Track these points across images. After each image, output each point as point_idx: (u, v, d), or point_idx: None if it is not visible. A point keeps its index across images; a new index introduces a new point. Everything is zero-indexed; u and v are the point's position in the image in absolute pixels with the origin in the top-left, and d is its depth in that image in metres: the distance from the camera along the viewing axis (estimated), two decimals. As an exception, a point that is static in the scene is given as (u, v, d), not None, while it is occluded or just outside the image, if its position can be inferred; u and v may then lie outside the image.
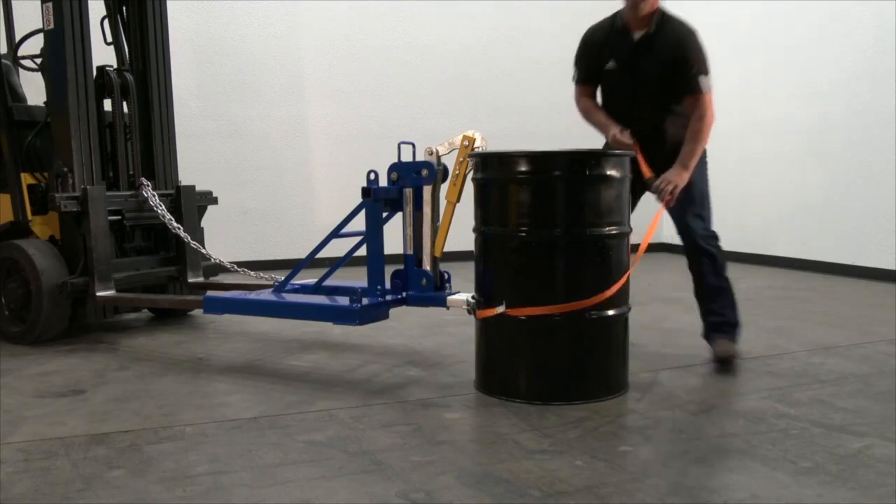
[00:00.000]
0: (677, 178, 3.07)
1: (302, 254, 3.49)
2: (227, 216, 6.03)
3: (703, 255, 3.22)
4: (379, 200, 3.15)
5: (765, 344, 3.58)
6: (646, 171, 3.13)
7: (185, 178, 4.37)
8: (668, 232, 7.65)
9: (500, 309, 2.73)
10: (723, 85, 6.77)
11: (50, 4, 3.72)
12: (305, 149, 6.65)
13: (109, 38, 4.21)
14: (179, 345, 3.71)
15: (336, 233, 3.31)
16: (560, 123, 7.18)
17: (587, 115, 3.35)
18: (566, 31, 7.25)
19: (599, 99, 3.38)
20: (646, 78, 3.14)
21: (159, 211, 3.90)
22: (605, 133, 3.24)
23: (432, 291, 3.15)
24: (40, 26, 3.82)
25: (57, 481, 2.05)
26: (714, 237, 3.24)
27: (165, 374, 3.15)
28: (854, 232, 5.75)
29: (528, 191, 2.73)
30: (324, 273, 3.46)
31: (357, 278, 3.51)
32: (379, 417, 2.56)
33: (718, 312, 3.28)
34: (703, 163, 3.24)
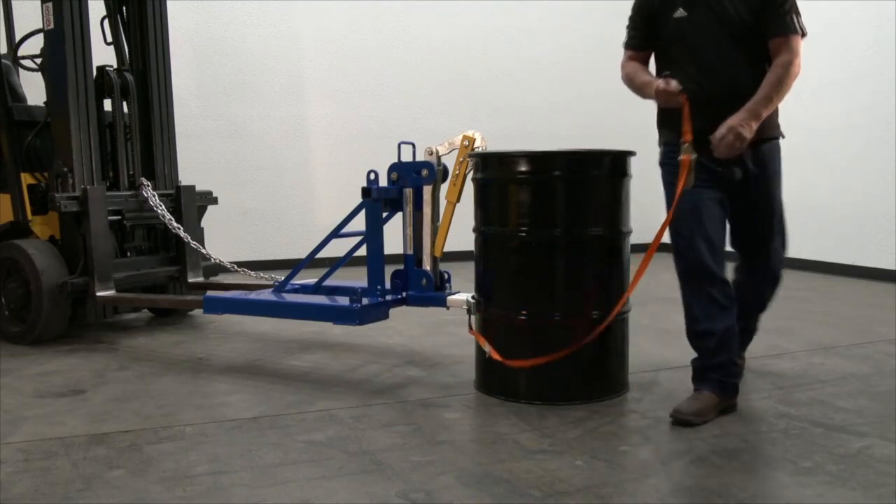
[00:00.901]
0: (743, 125, 2.52)
1: (302, 254, 3.49)
2: (227, 216, 6.03)
3: (773, 284, 3.00)
4: (379, 200, 3.15)
5: (765, 344, 3.58)
6: (687, 132, 2.60)
7: (185, 178, 4.37)
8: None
9: (487, 349, 2.75)
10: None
11: (50, 4, 3.72)
12: (305, 149, 6.65)
13: (109, 38, 4.21)
14: (179, 345, 3.71)
15: (336, 233, 3.31)
16: (560, 123, 7.21)
17: (631, 78, 2.85)
18: (566, 32, 7.30)
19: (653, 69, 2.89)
20: (726, 21, 2.58)
21: (159, 211, 3.90)
22: (647, 92, 2.75)
23: (432, 291, 3.15)
24: (40, 26, 3.82)
25: (57, 481, 2.05)
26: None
27: (165, 374, 3.15)
28: (854, 232, 5.74)
29: (528, 191, 2.73)
30: (324, 273, 3.46)
31: (357, 278, 3.51)
32: (379, 417, 2.56)
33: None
34: (777, 156, 2.91)
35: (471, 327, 2.89)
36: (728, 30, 2.59)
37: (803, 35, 2.58)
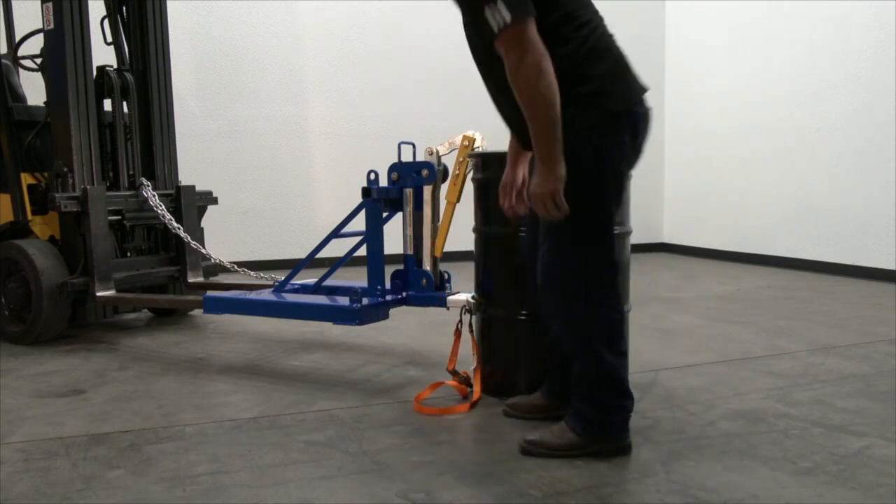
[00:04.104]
0: (538, 186, 2.02)
1: (302, 254, 3.49)
2: (227, 216, 6.03)
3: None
4: (379, 200, 3.15)
5: (765, 344, 3.59)
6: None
7: (185, 178, 4.37)
8: (668, 232, 7.68)
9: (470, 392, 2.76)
10: (723, 85, 6.86)
11: (50, 4, 3.72)
12: (305, 149, 6.65)
13: (109, 38, 4.21)
14: (179, 345, 3.71)
15: (336, 233, 3.31)
16: (560, 123, 7.21)
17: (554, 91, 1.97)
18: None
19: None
20: (480, 36, 2.06)
21: (159, 211, 3.91)
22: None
23: (432, 291, 3.15)
24: (40, 26, 3.82)
25: (57, 481, 2.05)
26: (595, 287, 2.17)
27: (165, 374, 3.15)
28: (854, 232, 5.75)
29: (528, 191, 2.72)
30: (324, 273, 3.46)
31: (357, 278, 3.51)
32: (379, 417, 2.56)
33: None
34: (584, 152, 2.05)
35: (471, 328, 2.89)
36: (485, 45, 2.08)
37: (515, 18, 1.91)
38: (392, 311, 3.16)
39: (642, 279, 5.58)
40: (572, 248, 2.14)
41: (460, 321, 2.88)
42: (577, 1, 2.10)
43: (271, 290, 3.47)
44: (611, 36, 2.17)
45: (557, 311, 2.23)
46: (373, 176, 3.18)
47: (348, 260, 3.41)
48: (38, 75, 4.13)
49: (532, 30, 1.93)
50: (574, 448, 2.17)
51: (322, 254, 3.34)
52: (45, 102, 3.93)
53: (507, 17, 1.90)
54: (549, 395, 2.51)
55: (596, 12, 2.18)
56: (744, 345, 3.56)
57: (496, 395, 2.75)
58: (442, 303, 3.10)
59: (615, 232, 2.70)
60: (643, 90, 2.16)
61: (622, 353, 2.19)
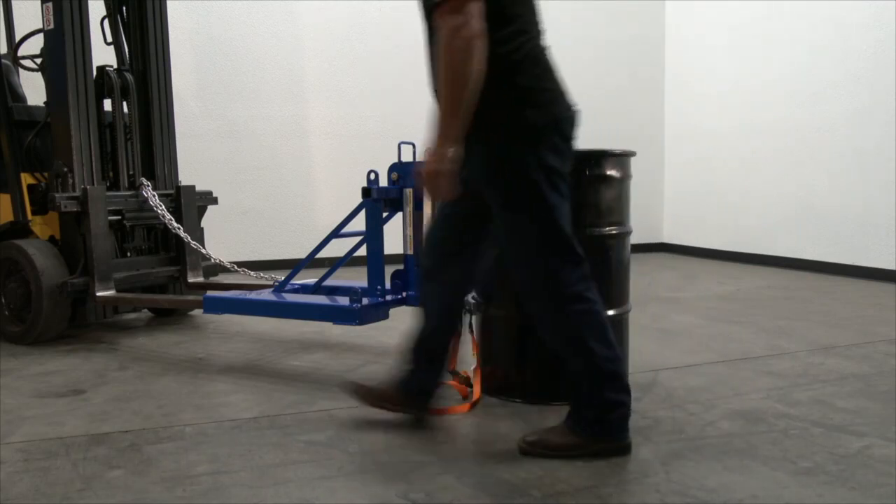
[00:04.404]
0: (431, 163, 2.00)
1: (302, 254, 3.49)
2: (227, 216, 6.03)
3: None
4: (379, 200, 3.15)
5: (765, 344, 3.59)
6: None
7: (185, 178, 4.37)
8: (668, 232, 7.68)
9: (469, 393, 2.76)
10: (723, 85, 6.86)
11: (50, 4, 3.72)
12: (305, 149, 6.65)
13: (109, 38, 4.21)
14: (179, 345, 3.71)
15: (336, 233, 3.31)
16: (560, 123, 7.22)
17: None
18: (566, 31, 7.29)
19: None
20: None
21: (159, 211, 3.91)
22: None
23: (432, 291, 3.15)
24: (40, 26, 3.82)
25: (57, 481, 2.05)
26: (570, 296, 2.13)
27: (165, 374, 3.15)
28: (854, 232, 5.75)
29: (528, 191, 2.72)
30: (324, 273, 3.46)
31: (357, 278, 3.51)
32: (379, 417, 2.56)
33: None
34: (484, 159, 2.07)
35: (471, 328, 2.89)
36: (427, 9, 2.05)
37: None
38: (392, 311, 3.16)
39: (642, 279, 5.58)
40: (533, 258, 2.14)
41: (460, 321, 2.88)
42: (521, 9, 2.09)
43: (271, 290, 3.47)
44: (545, 49, 2.18)
45: (541, 320, 2.22)
46: (373, 176, 3.18)
47: (348, 260, 3.41)
48: (38, 75, 4.13)
49: (476, 7, 1.89)
50: (575, 448, 2.17)
51: (322, 254, 3.34)
52: (45, 102, 3.93)
53: None
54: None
55: (536, 24, 2.17)
56: (744, 345, 3.56)
57: (496, 395, 2.75)
58: (442, 303, 3.09)
59: (615, 232, 2.70)
60: (569, 102, 2.18)
61: (612, 345, 2.16)
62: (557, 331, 2.19)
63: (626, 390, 2.20)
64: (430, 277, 2.36)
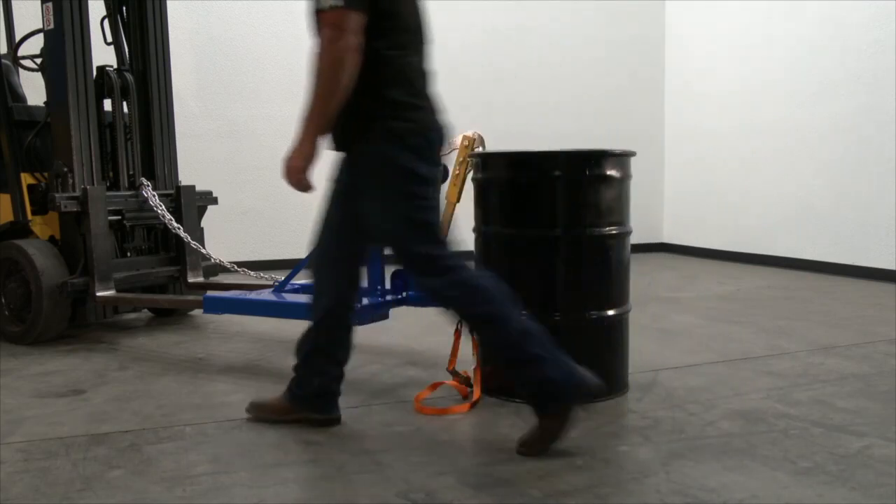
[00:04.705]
0: (291, 159, 2.19)
1: (302, 254, 3.49)
2: (227, 216, 6.02)
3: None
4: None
5: (765, 344, 3.59)
6: None
7: (185, 178, 4.37)
8: (668, 232, 7.68)
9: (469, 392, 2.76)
10: (723, 85, 6.86)
11: (50, 4, 3.72)
12: (305, 149, 6.64)
13: (109, 38, 4.21)
14: (179, 345, 3.71)
15: (336, 233, 3.31)
16: (560, 123, 7.21)
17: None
18: (566, 31, 7.30)
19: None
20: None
21: (159, 211, 3.90)
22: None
23: (432, 291, 3.15)
24: (40, 26, 3.82)
25: (57, 481, 2.05)
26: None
27: (165, 374, 3.15)
28: (854, 232, 5.75)
29: (528, 191, 2.73)
30: (324, 273, 3.45)
31: (357, 278, 3.50)
32: (379, 417, 2.56)
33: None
34: (367, 168, 2.23)
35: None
36: (310, 13, 2.15)
37: (347, 3, 2.01)
38: (392, 311, 3.17)
39: (642, 279, 5.58)
40: (408, 255, 2.28)
41: (460, 321, 2.88)
42: (400, 25, 2.20)
43: (271, 290, 3.47)
44: (420, 66, 2.29)
45: (446, 306, 2.32)
46: (373, 176, 3.17)
47: (348, 260, 3.40)
48: (38, 75, 4.13)
49: (355, 21, 2.03)
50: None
51: (322, 254, 3.34)
52: (45, 102, 3.93)
53: (340, 1, 2.01)
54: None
55: (414, 43, 2.27)
56: (744, 345, 3.56)
57: (496, 395, 2.75)
58: (442, 303, 3.09)
59: (615, 232, 2.70)
60: (436, 119, 2.33)
61: (505, 303, 2.24)
62: (460, 308, 2.29)
63: (538, 346, 2.23)
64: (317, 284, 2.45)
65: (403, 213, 2.24)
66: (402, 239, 2.27)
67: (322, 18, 2.04)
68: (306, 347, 2.45)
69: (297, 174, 2.19)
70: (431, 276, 2.25)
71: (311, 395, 2.45)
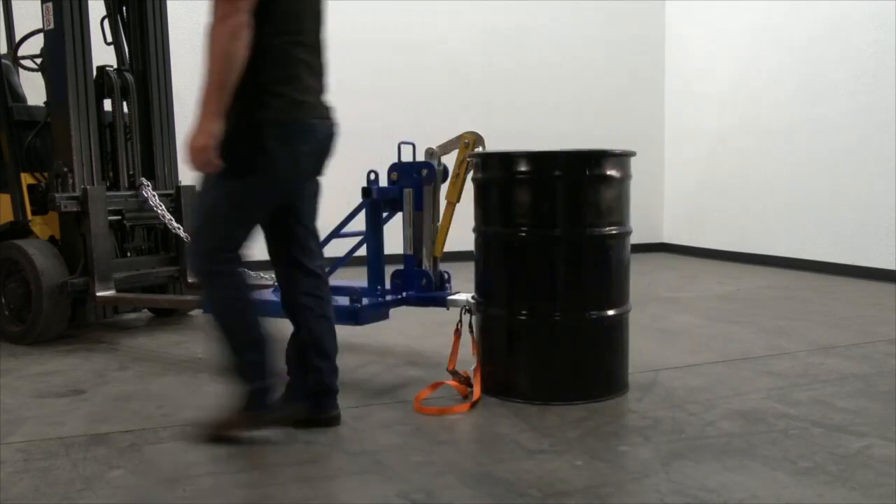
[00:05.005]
0: (192, 140, 2.17)
1: (302, 254, 3.49)
2: (227, 216, 6.01)
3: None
4: (379, 200, 3.15)
5: (765, 344, 3.59)
6: None
7: (185, 178, 4.36)
8: (668, 232, 7.68)
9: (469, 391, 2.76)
10: (723, 85, 6.86)
11: (50, 4, 3.72)
12: (305, 149, 6.64)
13: (109, 38, 4.21)
14: (179, 345, 3.71)
15: (336, 233, 3.31)
16: (560, 123, 7.21)
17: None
18: (566, 31, 7.30)
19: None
20: None
21: (159, 211, 3.90)
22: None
23: (432, 291, 3.15)
24: (40, 26, 3.81)
25: (57, 481, 2.05)
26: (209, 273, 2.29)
27: (165, 374, 3.15)
28: (854, 232, 5.75)
29: (528, 191, 2.73)
30: (324, 273, 3.45)
31: (357, 278, 3.51)
32: (379, 417, 2.56)
33: None
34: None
35: (471, 328, 2.89)
36: None
37: None
38: (392, 311, 3.17)
39: (642, 279, 5.58)
40: (197, 240, 2.32)
41: (460, 321, 2.88)
42: (291, 12, 2.24)
43: (271, 290, 3.47)
44: (305, 59, 2.29)
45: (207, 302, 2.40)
46: (373, 176, 3.18)
47: (348, 260, 3.41)
48: (38, 75, 4.13)
49: (246, 5, 2.10)
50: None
51: (322, 254, 3.34)
52: (45, 102, 3.92)
53: None
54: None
55: (305, 31, 2.29)
56: (744, 345, 3.56)
57: (496, 395, 2.75)
58: (442, 303, 3.10)
59: (615, 232, 2.70)
60: (318, 114, 2.36)
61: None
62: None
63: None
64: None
65: (223, 200, 2.25)
66: (202, 223, 2.30)
67: (213, 1, 2.12)
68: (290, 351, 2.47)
69: (203, 153, 2.14)
70: (199, 268, 2.33)
71: (307, 395, 2.43)
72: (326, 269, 2.48)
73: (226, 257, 2.27)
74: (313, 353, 2.44)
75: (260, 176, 2.23)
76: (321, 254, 2.53)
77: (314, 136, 2.34)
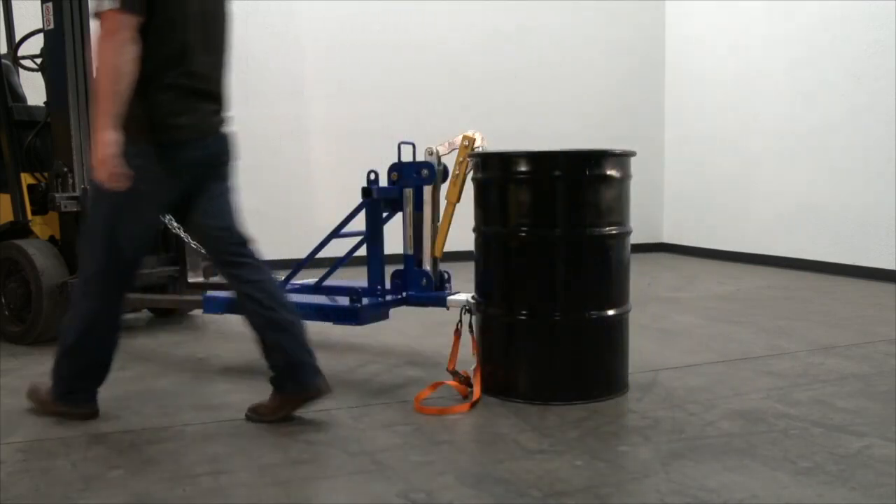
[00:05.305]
0: (94, 158, 2.27)
1: (302, 254, 3.49)
2: (227, 216, 6.01)
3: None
4: (379, 200, 3.15)
5: (765, 344, 3.59)
6: None
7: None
8: (668, 232, 7.68)
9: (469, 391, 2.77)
10: (723, 85, 6.86)
11: (50, 4, 3.71)
12: (306, 149, 6.64)
13: (109, 38, 4.20)
14: (179, 345, 3.71)
15: (336, 233, 3.31)
16: (560, 123, 7.21)
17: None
18: (566, 31, 7.30)
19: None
20: None
21: (159, 211, 3.90)
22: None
23: (432, 291, 3.15)
24: (40, 26, 3.81)
25: (57, 481, 2.05)
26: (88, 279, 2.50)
27: (165, 374, 3.15)
28: (854, 232, 5.75)
29: (528, 191, 2.73)
30: (324, 273, 3.45)
31: (357, 278, 3.51)
32: (379, 417, 2.57)
33: None
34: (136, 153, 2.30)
35: (471, 328, 2.89)
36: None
37: (123, 6, 2.20)
38: (392, 311, 3.17)
39: (642, 279, 5.58)
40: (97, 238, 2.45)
41: (460, 321, 2.88)
42: (177, 32, 2.39)
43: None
44: (197, 71, 2.48)
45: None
46: (373, 176, 3.18)
47: (348, 260, 3.41)
48: (38, 75, 4.12)
49: (130, 21, 2.22)
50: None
51: (322, 254, 3.34)
52: (45, 102, 3.92)
53: (116, 4, 2.20)
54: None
55: (193, 46, 2.45)
56: (744, 345, 3.56)
57: (496, 395, 2.75)
58: (442, 303, 3.10)
59: (615, 232, 2.71)
60: (201, 133, 2.50)
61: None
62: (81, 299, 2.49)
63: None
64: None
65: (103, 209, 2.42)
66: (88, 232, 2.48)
67: (102, 18, 2.22)
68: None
69: (107, 164, 2.23)
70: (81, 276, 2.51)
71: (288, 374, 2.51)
72: (327, 270, 2.52)
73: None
74: (270, 333, 2.50)
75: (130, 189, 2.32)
76: (245, 242, 2.64)
77: (187, 154, 2.45)
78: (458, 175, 3.06)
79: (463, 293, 3.07)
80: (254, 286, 2.52)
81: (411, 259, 3.19)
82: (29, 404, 2.63)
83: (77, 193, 3.68)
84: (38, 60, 4.15)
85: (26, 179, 3.86)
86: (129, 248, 2.46)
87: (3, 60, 4.12)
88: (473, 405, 2.65)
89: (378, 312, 3.08)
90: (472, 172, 2.95)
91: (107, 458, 2.21)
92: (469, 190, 2.97)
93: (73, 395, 2.54)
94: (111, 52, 2.20)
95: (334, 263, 3.43)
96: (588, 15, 7.30)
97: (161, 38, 2.33)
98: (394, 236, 3.22)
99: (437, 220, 3.17)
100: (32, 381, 2.69)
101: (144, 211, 2.46)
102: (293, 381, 2.49)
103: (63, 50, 3.70)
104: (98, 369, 2.55)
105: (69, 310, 2.60)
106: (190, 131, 2.45)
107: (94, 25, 2.34)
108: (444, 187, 3.14)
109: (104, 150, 2.21)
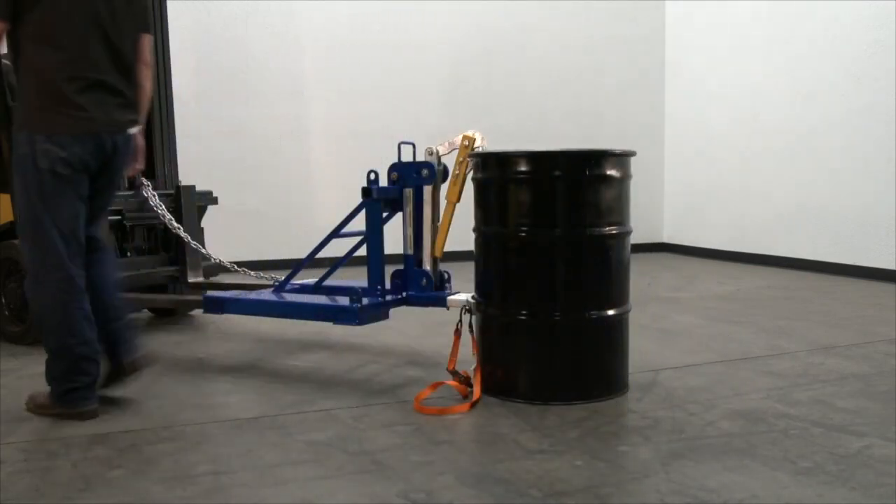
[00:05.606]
0: None
1: (302, 254, 3.49)
2: (227, 216, 6.02)
3: None
4: (379, 200, 3.15)
5: (765, 344, 3.59)
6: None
7: (185, 178, 4.37)
8: (668, 232, 7.68)
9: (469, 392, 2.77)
10: (723, 85, 6.86)
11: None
12: (306, 149, 6.65)
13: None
14: (179, 345, 3.71)
15: (336, 233, 3.31)
16: (560, 123, 7.21)
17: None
18: (566, 31, 7.30)
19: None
20: None
21: (159, 211, 3.90)
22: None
23: (432, 291, 3.15)
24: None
25: (57, 481, 2.05)
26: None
27: (165, 374, 3.15)
28: (854, 232, 5.75)
29: (528, 191, 2.73)
30: (324, 273, 3.46)
31: (357, 278, 3.51)
32: (379, 417, 2.57)
33: None
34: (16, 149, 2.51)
35: (471, 328, 2.89)
36: None
37: None
38: (392, 311, 3.16)
39: (642, 279, 5.58)
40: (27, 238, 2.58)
41: (460, 321, 2.89)
42: (61, 31, 2.44)
43: (271, 290, 3.47)
44: (78, 65, 2.48)
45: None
46: (373, 176, 3.18)
47: (348, 260, 3.41)
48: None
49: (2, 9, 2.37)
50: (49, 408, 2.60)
51: (322, 254, 3.34)
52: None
53: None
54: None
55: (79, 48, 2.48)
56: (744, 345, 3.56)
57: (496, 395, 2.75)
58: (442, 303, 3.10)
59: (615, 232, 2.71)
60: (86, 128, 2.50)
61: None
62: (40, 298, 2.56)
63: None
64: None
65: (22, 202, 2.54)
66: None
67: None
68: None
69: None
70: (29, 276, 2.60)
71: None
72: (327, 270, 2.51)
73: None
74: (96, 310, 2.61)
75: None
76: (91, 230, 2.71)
77: (77, 146, 2.49)
78: (458, 175, 3.06)
79: (463, 293, 3.07)
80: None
81: (411, 259, 3.19)
82: (29, 414, 2.63)
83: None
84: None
85: (26, 179, 3.85)
86: (67, 229, 2.52)
87: (3, 60, 4.11)
88: (473, 405, 2.66)
89: (378, 312, 3.08)
90: (472, 172, 2.95)
91: (107, 458, 2.21)
92: (469, 190, 2.97)
93: (71, 394, 2.55)
94: None
95: (334, 263, 3.44)
96: (588, 15, 7.30)
97: (52, 32, 2.43)
98: (394, 236, 3.22)
99: (437, 220, 3.17)
100: (30, 392, 2.69)
101: (68, 194, 2.53)
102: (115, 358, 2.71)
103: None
104: (86, 363, 2.57)
105: (33, 312, 2.68)
106: (90, 124, 2.51)
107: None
108: (444, 187, 3.14)
109: None
